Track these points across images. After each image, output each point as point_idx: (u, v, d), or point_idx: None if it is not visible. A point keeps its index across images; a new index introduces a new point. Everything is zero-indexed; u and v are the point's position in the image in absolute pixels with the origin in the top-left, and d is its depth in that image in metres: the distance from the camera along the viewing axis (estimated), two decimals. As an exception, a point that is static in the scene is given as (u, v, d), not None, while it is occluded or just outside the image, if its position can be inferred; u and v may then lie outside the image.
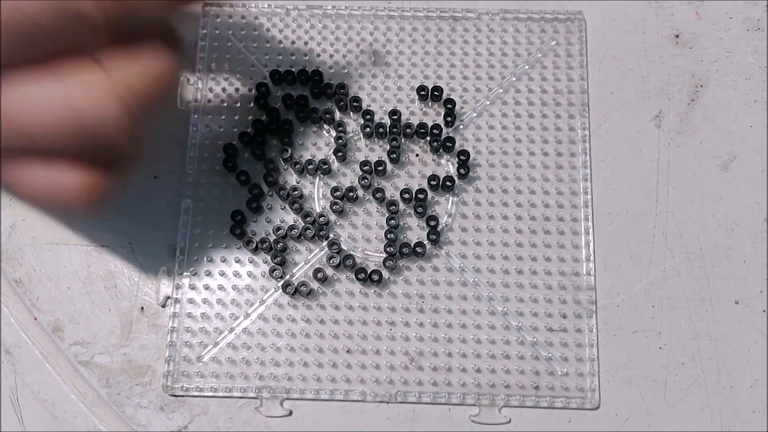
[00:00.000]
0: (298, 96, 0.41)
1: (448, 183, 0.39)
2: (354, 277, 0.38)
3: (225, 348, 0.37)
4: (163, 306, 0.38)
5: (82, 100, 0.28)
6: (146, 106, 0.30)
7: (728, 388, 0.36)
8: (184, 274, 0.38)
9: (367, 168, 0.39)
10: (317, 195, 0.40)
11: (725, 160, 0.40)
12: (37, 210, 0.36)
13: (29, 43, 0.28)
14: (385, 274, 0.38)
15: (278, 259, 0.38)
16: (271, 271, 0.38)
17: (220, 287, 0.38)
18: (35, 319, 0.38)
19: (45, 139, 0.29)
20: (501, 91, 0.41)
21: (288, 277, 0.38)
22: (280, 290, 0.38)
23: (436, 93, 0.40)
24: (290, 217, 0.39)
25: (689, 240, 0.39)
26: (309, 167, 0.39)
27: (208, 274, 0.38)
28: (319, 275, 0.37)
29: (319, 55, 0.42)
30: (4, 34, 0.27)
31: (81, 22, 0.28)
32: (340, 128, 0.40)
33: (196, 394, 0.36)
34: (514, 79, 0.41)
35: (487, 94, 0.41)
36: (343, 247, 0.38)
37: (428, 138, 0.40)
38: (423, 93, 0.40)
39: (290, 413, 0.36)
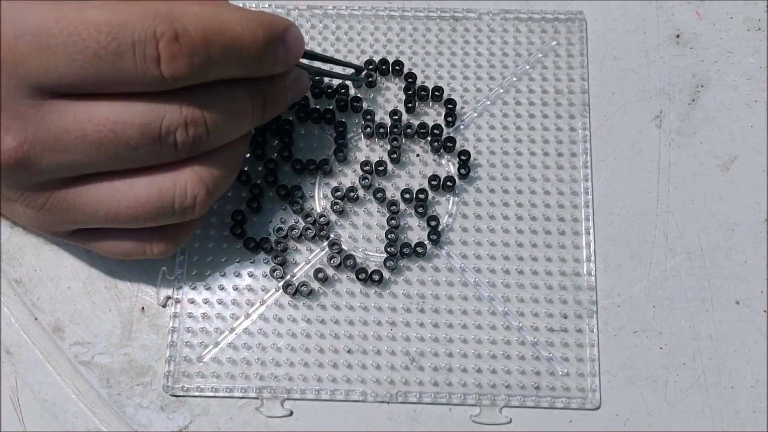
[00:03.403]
0: (298, 96, 0.41)
1: (448, 183, 0.39)
2: (355, 277, 0.38)
3: (226, 348, 0.37)
4: (164, 306, 0.38)
5: (172, 189, 0.32)
6: (225, 186, 0.34)
7: (729, 389, 0.36)
8: (184, 273, 0.38)
9: (367, 168, 0.39)
10: (318, 195, 0.40)
11: (726, 160, 0.40)
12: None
13: (117, 156, 0.31)
14: (386, 274, 0.38)
15: (279, 259, 0.38)
16: (272, 271, 0.38)
17: (221, 287, 0.38)
18: (36, 319, 0.38)
19: (135, 222, 0.32)
20: (501, 91, 0.41)
21: (288, 277, 0.38)
22: (281, 290, 0.38)
23: (436, 93, 0.40)
24: (291, 217, 0.39)
25: (690, 240, 0.39)
26: (309, 167, 0.39)
27: (209, 274, 0.38)
28: (320, 275, 0.37)
29: (319, 55, 0.42)
30: (96, 147, 0.30)
31: (165, 142, 0.31)
32: (341, 128, 0.40)
33: (196, 394, 0.36)
34: (514, 79, 0.41)
35: (488, 94, 0.41)
36: (344, 247, 0.38)
37: (429, 138, 0.40)
38: (423, 93, 0.40)
39: (291, 413, 0.36)
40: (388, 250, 0.38)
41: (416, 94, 0.40)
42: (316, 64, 0.40)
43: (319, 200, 0.39)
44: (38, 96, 0.29)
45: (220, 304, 0.38)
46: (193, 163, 0.32)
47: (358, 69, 0.41)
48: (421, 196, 0.39)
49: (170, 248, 0.35)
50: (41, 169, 0.30)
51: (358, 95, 0.41)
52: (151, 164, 0.31)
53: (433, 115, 0.41)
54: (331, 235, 0.39)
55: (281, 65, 0.33)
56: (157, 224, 0.33)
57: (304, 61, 0.38)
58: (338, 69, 0.40)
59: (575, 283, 0.38)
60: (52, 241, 0.39)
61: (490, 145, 0.40)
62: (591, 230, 0.39)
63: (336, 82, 0.41)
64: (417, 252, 0.38)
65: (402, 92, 0.41)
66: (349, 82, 0.41)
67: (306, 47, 0.37)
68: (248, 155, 0.40)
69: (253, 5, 0.43)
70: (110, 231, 0.34)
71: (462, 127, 0.41)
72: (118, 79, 0.29)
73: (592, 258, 0.38)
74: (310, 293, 0.38)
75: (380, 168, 0.39)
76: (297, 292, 0.37)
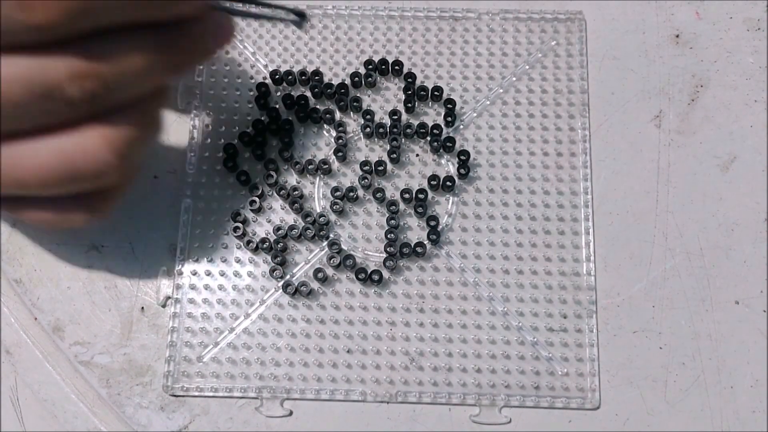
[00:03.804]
0: (298, 96, 0.41)
1: (448, 183, 0.39)
2: (354, 277, 0.38)
3: (225, 348, 0.37)
4: (164, 306, 0.38)
5: (76, 152, 0.29)
6: (137, 147, 0.31)
7: (728, 388, 0.36)
8: (184, 274, 0.38)
9: (367, 168, 0.39)
10: (317, 195, 0.40)
11: (725, 160, 0.40)
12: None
13: (9, 116, 0.28)
14: (386, 274, 0.38)
15: (278, 259, 0.38)
16: (272, 271, 0.38)
17: (221, 287, 0.38)
18: (35, 319, 0.38)
19: (45, 188, 0.30)
20: (501, 91, 0.41)
21: (288, 277, 0.38)
22: (281, 290, 0.38)
23: (436, 93, 0.40)
24: (290, 217, 0.39)
25: (689, 240, 0.39)
26: (309, 167, 0.39)
27: (209, 274, 0.38)
28: (320, 275, 0.37)
29: (319, 56, 0.42)
30: None
31: (57, 98, 0.28)
32: (341, 128, 0.40)
33: (196, 394, 0.36)
34: (514, 79, 0.41)
35: (488, 94, 0.41)
36: (344, 247, 0.38)
37: (428, 138, 0.40)
38: (423, 93, 0.40)
39: (290, 413, 0.36)
40: (388, 250, 0.38)
41: (416, 94, 0.40)
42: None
43: (319, 200, 0.39)
44: None
45: (219, 304, 0.38)
46: (99, 122, 0.29)
47: (299, 14, 0.38)
48: (421, 195, 0.39)
49: (96, 216, 0.32)
50: None
51: (358, 95, 0.41)
52: (49, 122, 0.29)
53: (432, 114, 0.41)
54: (331, 235, 0.39)
55: (187, 4, 0.29)
56: (70, 191, 0.31)
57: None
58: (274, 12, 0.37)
59: (575, 283, 0.38)
60: (52, 240, 0.39)
61: (490, 145, 0.40)
62: (590, 230, 0.39)
63: (336, 81, 0.41)
64: (416, 252, 0.38)
65: (401, 92, 0.41)
66: (279, 22, 0.39)
67: None
68: (248, 155, 0.40)
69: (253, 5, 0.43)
70: (30, 199, 0.32)
71: (461, 127, 0.41)
72: None
73: (592, 258, 0.38)
74: (310, 293, 0.38)
75: (380, 168, 0.39)
76: (297, 292, 0.37)
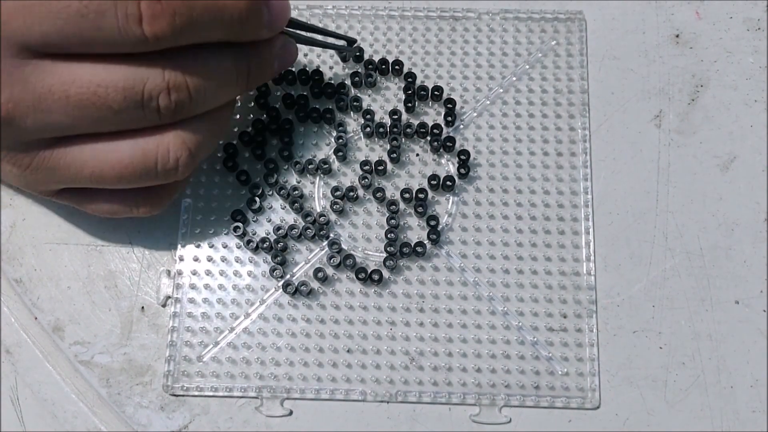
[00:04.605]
0: (298, 96, 0.41)
1: (448, 183, 0.39)
2: (354, 277, 0.38)
3: (225, 347, 0.37)
4: (164, 305, 0.38)
5: (156, 151, 0.32)
6: (208, 149, 0.35)
7: (728, 388, 0.36)
8: (184, 273, 0.38)
9: (367, 168, 0.39)
10: (317, 194, 0.40)
11: (725, 160, 0.40)
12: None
13: (101, 118, 0.31)
14: (386, 273, 0.38)
15: (278, 258, 0.38)
16: (272, 270, 0.38)
17: (221, 287, 0.38)
18: (35, 318, 0.38)
19: (120, 182, 0.33)
20: (501, 90, 0.41)
21: (288, 276, 0.38)
22: (281, 290, 0.38)
23: (436, 93, 0.40)
24: (290, 217, 0.39)
25: (689, 240, 0.39)
26: (309, 167, 0.39)
27: (209, 273, 0.38)
28: (320, 275, 0.37)
29: (319, 55, 0.42)
30: (80, 109, 0.30)
31: (148, 107, 0.31)
32: (341, 128, 0.40)
33: (196, 393, 0.36)
34: (514, 78, 0.41)
35: (488, 93, 0.41)
36: (344, 246, 0.38)
37: (428, 138, 0.40)
38: (423, 93, 0.40)
39: (290, 413, 0.36)
40: (388, 249, 0.38)
41: (416, 93, 0.40)
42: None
43: (319, 200, 0.39)
44: (23, 55, 0.29)
45: (219, 303, 0.38)
46: (177, 127, 0.32)
47: (349, 41, 0.40)
48: (421, 195, 0.39)
49: (155, 208, 0.36)
50: (26, 128, 0.30)
51: (358, 95, 0.41)
52: (134, 127, 0.32)
53: (432, 114, 0.41)
54: (331, 235, 0.39)
55: (266, 30, 0.33)
56: (141, 185, 0.34)
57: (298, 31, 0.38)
58: (330, 40, 0.40)
59: (575, 283, 0.38)
60: (52, 240, 0.39)
61: (490, 145, 0.40)
62: (591, 230, 0.39)
63: (336, 81, 0.41)
64: (417, 252, 0.38)
65: (402, 92, 0.41)
66: (333, 53, 0.41)
67: (295, 16, 0.36)
68: (248, 155, 0.40)
69: (253, 5, 0.43)
70: (97, 191, 0.35)
71: (461, 126, 0.41)
72: (101, 38, 0.29)
73: (592, 258, 0.38)
74: (310, 293, 0.38)
75: (380, 168, 0.39)
76: (297, 291, 0.37)
